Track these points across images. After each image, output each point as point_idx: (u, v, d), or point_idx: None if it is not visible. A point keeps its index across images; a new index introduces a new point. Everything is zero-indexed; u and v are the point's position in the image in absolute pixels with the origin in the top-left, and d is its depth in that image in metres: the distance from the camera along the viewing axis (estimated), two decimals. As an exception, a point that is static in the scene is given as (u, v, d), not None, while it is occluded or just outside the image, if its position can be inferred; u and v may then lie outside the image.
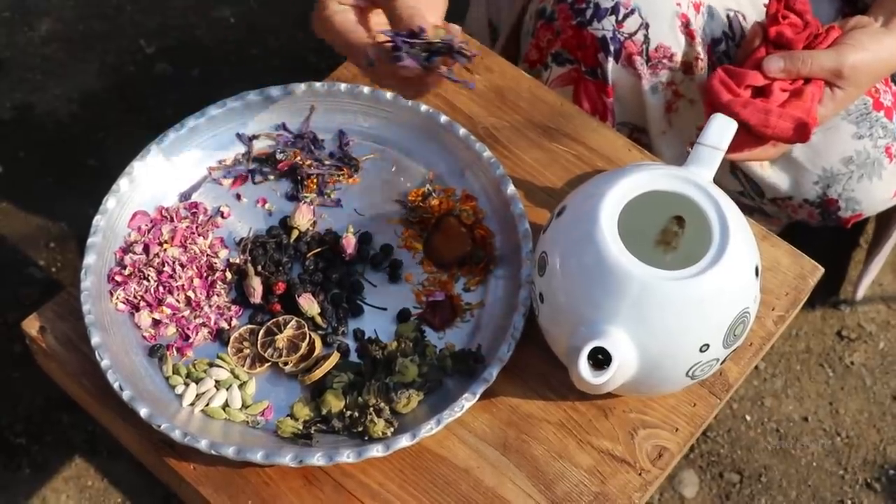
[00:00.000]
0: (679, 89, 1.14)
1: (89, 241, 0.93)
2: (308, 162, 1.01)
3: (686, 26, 1.08)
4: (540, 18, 1.14)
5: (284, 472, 0.86)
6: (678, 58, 1.10)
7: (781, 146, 1.05)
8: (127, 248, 0.95)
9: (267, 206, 1.00)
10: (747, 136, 1.02)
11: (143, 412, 0.85)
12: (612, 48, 1.08)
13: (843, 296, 1.60)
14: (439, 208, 0.98)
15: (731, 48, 1.13)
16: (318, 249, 0.96)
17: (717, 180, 0.87)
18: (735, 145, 1.00)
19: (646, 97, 1.13)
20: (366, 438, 0.86)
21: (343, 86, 1.02)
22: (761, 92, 1.03)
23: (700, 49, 1.09)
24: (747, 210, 1.29)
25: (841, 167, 1.17)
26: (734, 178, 1.24)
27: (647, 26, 1.07)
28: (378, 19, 0.89)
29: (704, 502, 1.45)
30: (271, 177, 1.01)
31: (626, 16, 1.07)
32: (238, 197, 1.00)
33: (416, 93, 0.89)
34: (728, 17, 1.12)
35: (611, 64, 1.09)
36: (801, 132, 1.01)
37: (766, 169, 1.20)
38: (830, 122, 1.13)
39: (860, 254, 1.62)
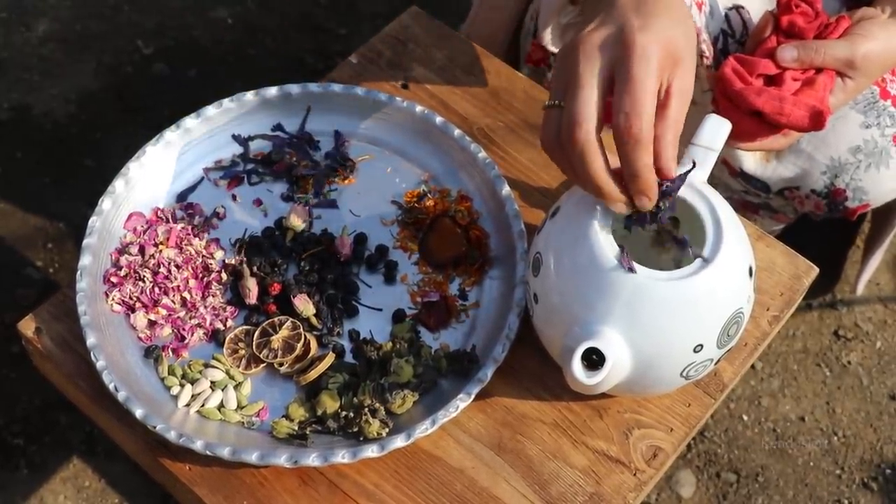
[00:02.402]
0: None
1: (85, 242, 0.93)
2: (304, 163, 1.01)
3: None
4: None
5: (280, 472, 0.87)
6: None
7: (793, 135, 1.05)
8: (122, 250, 0.95)
9: (262, 206, 1.00)
10: (760, 125, 1.02)
11: (139, 413, 0.85)
12: None
13: (839, 295, 1.60)
14: (434, 209, 0.98)
15: (731, 45, 1.13)
16: (314, 250, 0.96)
17: (720, 183, 0.86)
18: (747, 134, 1.00)
19: None
20: (361, 439, 0.86)
21: (339, 87, 1.02)
22: (772, 81, 1.03)
23: (704, 47, 1.09)
24: (753, 209, 1.29)
25: (849, 157, 1.17)
26: (735, 180, 1.24)
27: None
28: None
29: (702, 502, 1.45)
30: (267, 178, 1.01)
31: None
32: (234, 198, 1.00)
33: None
34: (727, 14, 1.12)
35: None
36: (817, 120, 1.01)
37: (772, 161, 1.19)
38: (838, 112, 1.13)
39: (857, 254, 1.62)
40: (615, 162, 0.77)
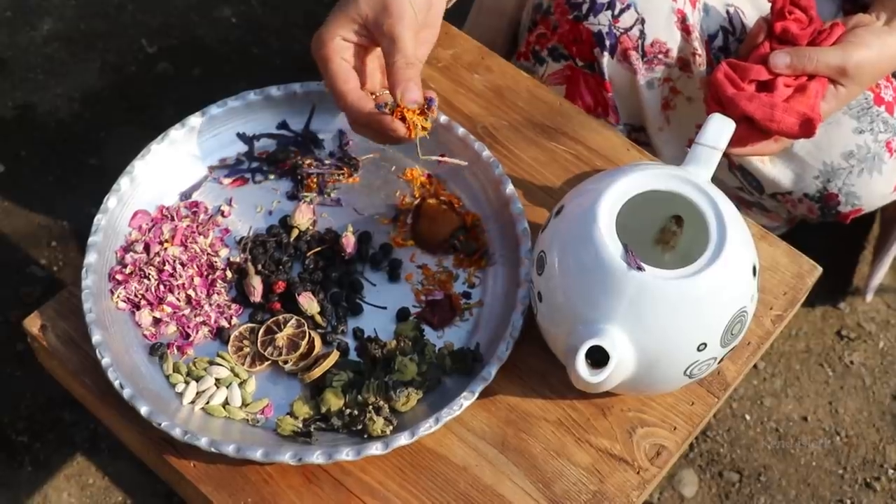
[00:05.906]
0: (676, 86, 1.14)
1: (90, 239, 0.93)
2: (308, 161, 1.01)
3: (682, 22, 1.08)
4: (537, 13, 1.15)
5: (284, 469, 0.87)
6: (674, 53, 1.10)
7: (783, 141, 1.06)
8: (128, 247, 0.95)
9: (267, 205, 1.00)
10: (751, 131, 1.02)
11: (144, 410, 0.85)
12: (607, 43, 1.08)
13: (843, 295, 1.60)
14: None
15: (731, 43, 1.13)
16: (318, 248, 0.97)
17: (716, 176, 0.87)
18: (738, 139, 1.00)
19: (642, 93, 1.13)
20: (365, 437, 0.86)
21: (343, 85, 1.02)
22: (765, 87, 1.03)
23: (697, 45, 1.10)
24: (746, 205, 1.30)
25: (841, 162, 1.17)
26: (732, 175, 1.24)
27: (642, 21, 1.07)
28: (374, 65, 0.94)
29: (704, 501, 1.45)
30: (272, 176, 1.01)
31: (622, 11, 1.07)
32: (238, 196, 1.00)
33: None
34: (728, 12, 1.13)
35: (606, 59, 1.10)
36: (807, 127, 1.01)
37: (766, 164, 1.20)
38: (832, 117, 1.13)
39: (862, 254, 1.62)
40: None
